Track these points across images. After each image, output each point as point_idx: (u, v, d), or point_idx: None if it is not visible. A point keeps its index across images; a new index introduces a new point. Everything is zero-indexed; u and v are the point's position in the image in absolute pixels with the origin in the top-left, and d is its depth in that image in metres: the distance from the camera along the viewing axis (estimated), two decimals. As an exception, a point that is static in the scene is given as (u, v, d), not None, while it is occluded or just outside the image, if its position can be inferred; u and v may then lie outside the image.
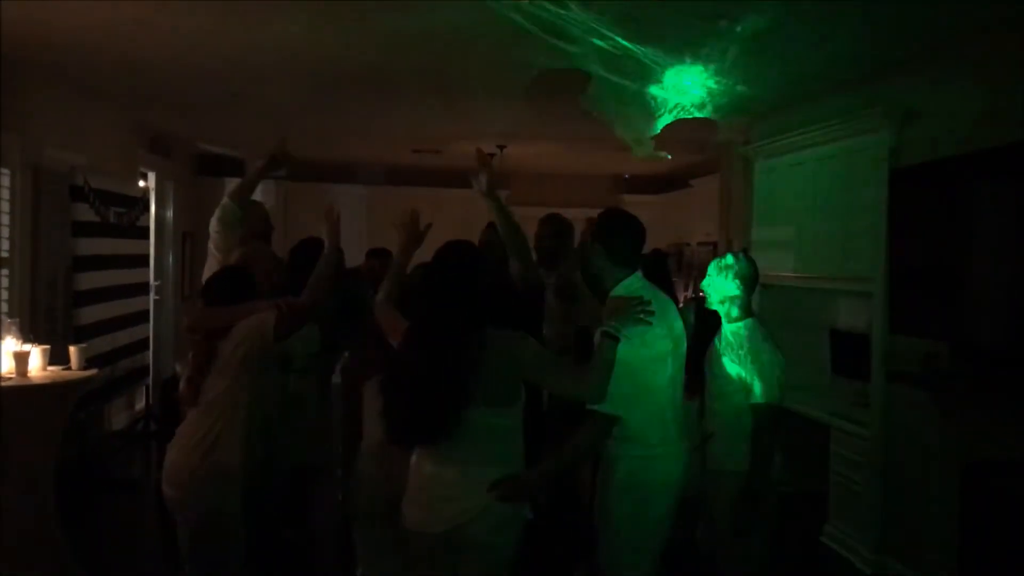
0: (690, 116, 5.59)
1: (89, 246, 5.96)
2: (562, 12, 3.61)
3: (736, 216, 7.06)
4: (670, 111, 5.41)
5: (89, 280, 5.93)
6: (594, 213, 3.23)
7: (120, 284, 6.50)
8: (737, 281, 3.38)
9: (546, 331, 3.94)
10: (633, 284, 2.94)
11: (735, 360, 3.35)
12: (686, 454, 3.00)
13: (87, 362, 4.29)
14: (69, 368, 4.18)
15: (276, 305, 3.11)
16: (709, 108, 5.41)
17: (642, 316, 2.72)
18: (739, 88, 4.97)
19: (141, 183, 7.47)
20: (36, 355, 4.05)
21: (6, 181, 5.17)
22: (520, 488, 2.64)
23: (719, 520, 3.36)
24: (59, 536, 3.98)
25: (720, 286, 3.42)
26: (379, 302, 2.90)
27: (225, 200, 3.51)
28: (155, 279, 7.85)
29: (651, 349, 2.83)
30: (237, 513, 3.13)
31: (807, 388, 5.46)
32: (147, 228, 7.43)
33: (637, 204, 10.20)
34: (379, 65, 4.91)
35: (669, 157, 8.13)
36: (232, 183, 8.56)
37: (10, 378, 3.86)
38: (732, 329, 3.43)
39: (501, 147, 8.23)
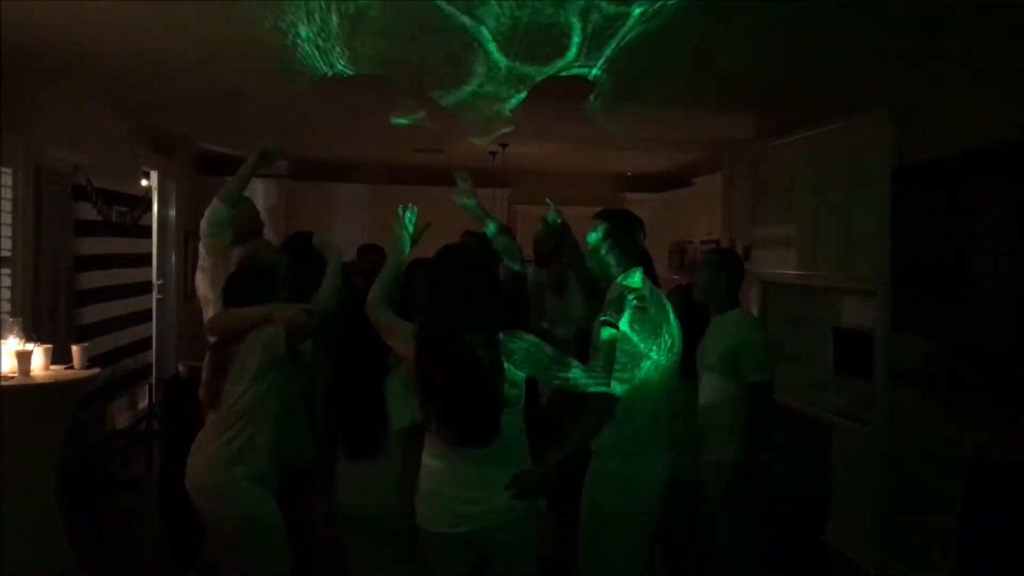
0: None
1: (91, 245, 5.96)
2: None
3: (739, 214, 7.05)
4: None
5: (91, 279, 5.94)
6: (596, 211, 3.24)
7: (122, 283, 6.50)
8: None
9: (545, 328, 3.99)
10: (636, 278, 2.98)
11: (723, 346, 3.43)
12: (676, 449, 3.06)
13: (89, 361, 4.29)
14: (71, 367, 4.18)
15: (290, 320, 3.04)
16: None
17: (637, 305, 2.78)
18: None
19: (143, 182, 7.49)
20: (38, 354, 4.05)
21: (8, 181, 5.18)
22: (538, 482, 2.69)
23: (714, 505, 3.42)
24: (61, 536, 3.99)
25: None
26: (373, 302, 2.88)
27: (215, 202, 3.46)
28: (157, 278, 7.86)
29: (649, 344, 2.85)
30: (276, 520, 3.03)
31: (810, 386, 5.45)
32: (149, 227, 7.44)
33: (639, 202, 10.19)
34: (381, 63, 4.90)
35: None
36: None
37: (12, 377, 3.86)
38: (720, 319, 3.52)
39: (503, 145, 8.22)
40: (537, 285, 4.17)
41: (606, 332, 2.73)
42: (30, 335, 4.21)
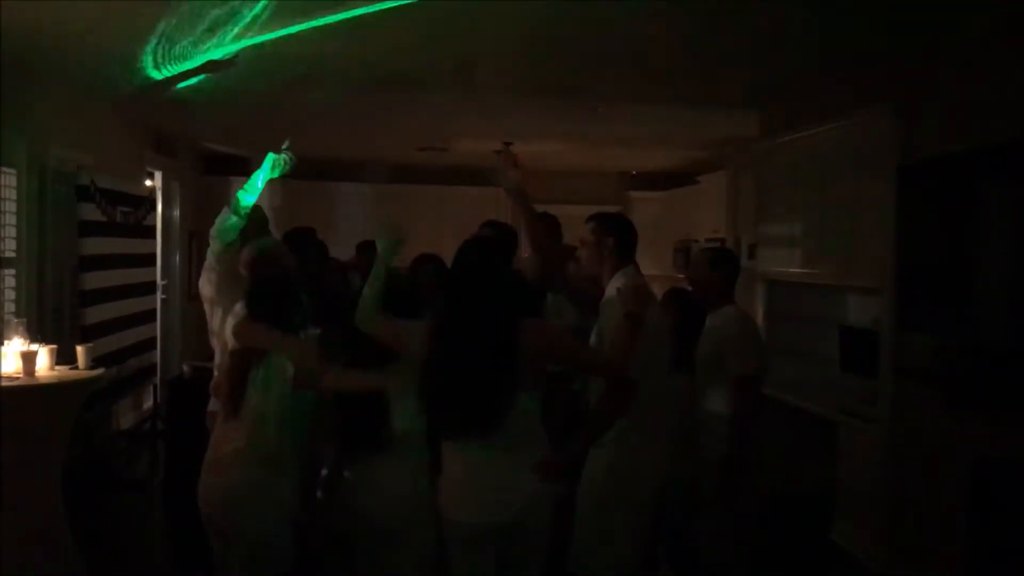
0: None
1: (96, 245, 5.96)
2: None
3: (744, 212, 7.03)
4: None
5: (96, 279, 5.94)
6: (599, 210, 3.34)
7: (127, 283, 6.50)
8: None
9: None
10: (632, 274, 3.07)
11: (713, 342, 3.49)
12: (674, 445, 3.11)
13: (94, 362, 4.29)
14: (76, 368, 4.17)
15: (303, 361, 2.97)
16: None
17: (648, 303, 2.88)
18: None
19: (147, 182, 7.49)
20: (43, 355, 4.04)
21: (12, 181, 5.18)
22: (563, 465, 2.76)
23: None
24: (66, 536, 3.99)
25: None
26: (367, 318, 2.87)
27: (224, 211, 3.48)
28: (162, 278, 7.86)
29: (650, 340, 2.90)
30: (287, 527, 3.02)
31: (815, 384, 5.44)
32: (153, 227, 7.44)
33: (644, 201, 10.18)
34: (383, 63, 4.91)
35: None
36: (238, 182, 8.59)
37: (17, 378, 3.86)
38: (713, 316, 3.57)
39: (507, 144, 8.21)
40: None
41: (629, 324, 2.77)
42: (35, 336, 4.21)
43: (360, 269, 4.40)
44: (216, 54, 4.51)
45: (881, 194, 4.60)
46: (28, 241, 5.27)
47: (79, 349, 4.25)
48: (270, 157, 3.54)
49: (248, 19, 3.92)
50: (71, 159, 5.75)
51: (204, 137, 8.52)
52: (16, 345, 3.97)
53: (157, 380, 7.31)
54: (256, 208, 3.62)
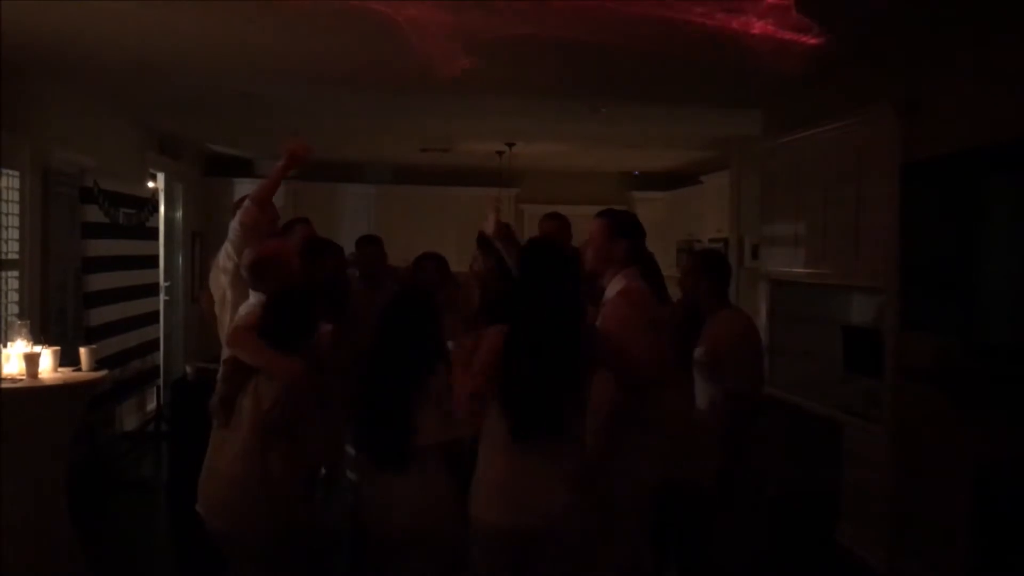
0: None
1: (99, 247, 5.97)
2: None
3: (747, 212, 7.02)
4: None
5: (99, 281, 5.95)
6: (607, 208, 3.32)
7: (130, 285, 6.51)
8: None
9: None
10: (633, 275, 3.08)
11: (707, 349, 3.46)
12: (673, 449, 3.11)
13: (97, 363, 4.29)
14: (79, 369, 4.18)
15: (291, 383, 2.91)
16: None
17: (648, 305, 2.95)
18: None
19: (150, 184, 7.50)
20: (47, 357, 4.04)
21: (16, 183, 5.19)
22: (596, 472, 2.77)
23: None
24: (70, 537, 3.99)
25: None
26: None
27: (247, 203, 3.46)
28: (165, 280, 7.87)
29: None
30: (292, 544, 2.99)
31: (819, 384, 5.43)
32: (156, 229, 7.45)
33: (647, 201, 10.18)
34: (386, 63, 4.90)
35: None
36: (240, 183, 8.62)
37: (21, 380, 3.86)
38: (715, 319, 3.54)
39: (510, 144, 8.21)
40: None
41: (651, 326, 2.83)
42: (38, 337, 4.21)
43: (361, 264, 4.39)
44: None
45: (885, 193, 4.58)
46: (31, 243, 5.28)
47: (82, 351, 4.25)
48: (288, 152, 3.48)
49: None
50: (74, 161, 5.76)
51: (207, 139, 8.53)
52: (19, 347, 3.98)
53: (160, 381, 7.32)
54: (271, 206, 3.60)
